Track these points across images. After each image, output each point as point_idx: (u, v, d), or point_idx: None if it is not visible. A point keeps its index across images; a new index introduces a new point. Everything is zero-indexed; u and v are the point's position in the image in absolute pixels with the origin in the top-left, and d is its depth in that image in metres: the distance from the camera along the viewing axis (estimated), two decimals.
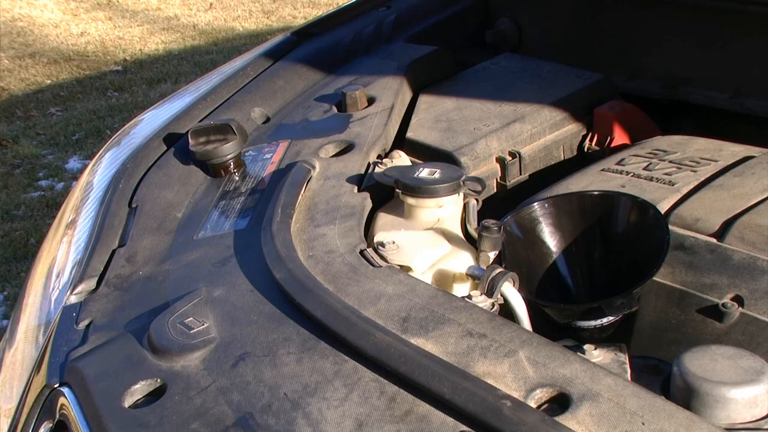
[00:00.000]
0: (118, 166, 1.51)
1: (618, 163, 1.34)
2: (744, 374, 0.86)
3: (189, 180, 1.48)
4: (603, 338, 1.11)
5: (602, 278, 1.20)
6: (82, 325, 1.15)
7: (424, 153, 1.49)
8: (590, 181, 1.30)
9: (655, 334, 1.14)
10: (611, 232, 1.19)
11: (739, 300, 1.06)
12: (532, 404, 0.81)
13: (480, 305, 0.99)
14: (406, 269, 1.11)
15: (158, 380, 0.98)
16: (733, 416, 0.85)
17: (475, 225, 1.20)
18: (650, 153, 1.36)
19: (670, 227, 1.14)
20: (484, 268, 1.10)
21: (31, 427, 1.07)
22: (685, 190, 1.23)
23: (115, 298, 1.19)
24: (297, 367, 0.93)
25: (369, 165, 1.39)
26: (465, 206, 1.26)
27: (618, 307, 1.07)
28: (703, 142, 1.38)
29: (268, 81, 1.77)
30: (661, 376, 0.97)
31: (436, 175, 1.23)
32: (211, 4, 7.35)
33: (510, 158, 1.50)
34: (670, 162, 1.31)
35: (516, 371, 0.85)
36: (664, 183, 1.25)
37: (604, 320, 1.09)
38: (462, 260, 1.16)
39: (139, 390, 0.97)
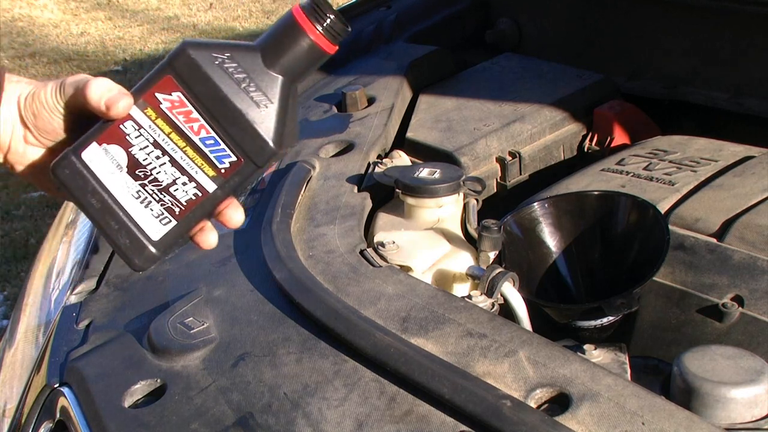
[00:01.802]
0: None
1: (618, 163, 1.34)
2: (744, 374, 0.86)
3: None
4: (603, 338, 1.11)
5: (602, 278, 1.20)
6: (82, 325, 1.16)
7: (424, 153, 1.49)
8: (590, 181, 1.30)
9: (655, 334, 1.14)
10: (611, 232, 1.19)
11: (739, 300, 1.06)
12: (532, 404, 0.81)
13: (480, 305, 0.99)
14: (406, 269, 1.10)
15: (158, 380, 0.98)
16: (733, 416, 0.85)
17: (475, 225, 1.20)
18: (650, 153, 1.36)
19: (670, 227, 1.14)
20: (484, 268, 1.10)
21: (31, 427, 1.07)
22: (685, 190, 1.23)
23: (115, 298, 1.19)
24: (297, 367, 0.93)
25: (369, 165, 1.39)
26: (465, 206, 1.26)
27: (618, 307, 1.07)
28: (703, 142, 1.37)
29: None
30: (661, 376, 0.97)
31: (436, 175, 1.23)
32: (211, 4, 7.35)
33: (510, 158, 1.50)
34: (670, 162, 1.31)
35: (516, 371, 0.85)
36: (664, 183, 1.25)
37: (604, 320, 1.09)
38: (462, 260, 1.15)
39: (139, 390, 0.97)
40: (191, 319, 1.05)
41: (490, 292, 1.04)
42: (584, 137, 1.57)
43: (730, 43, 1.57)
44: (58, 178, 0.83)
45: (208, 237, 0.87)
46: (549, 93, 1.61)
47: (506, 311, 1.06)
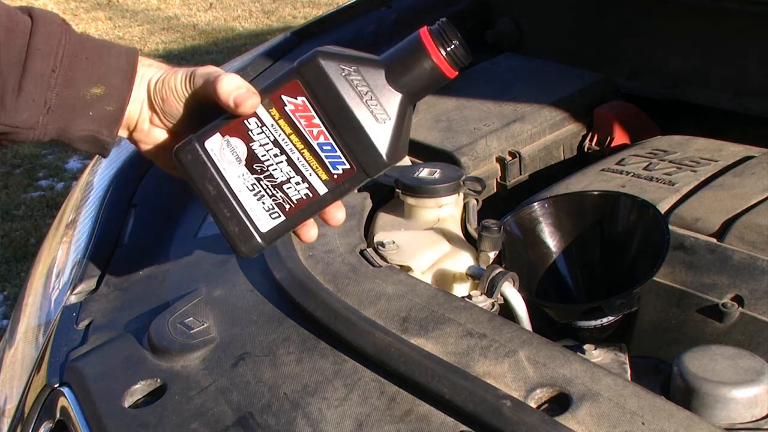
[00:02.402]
0: (118, 166, 1.51)
1: (618, 163, 1.34)
2: (744, 374, 0.86)
3: None
4: (603, 338, 1.11)
5: (602, 278, 1.20)
6: (82, 325, 1.16)
7: (424, 153, 1.49)
8: (590, 181, 1.30)
9: (655, 334, 1.14)
10: (611, 232, 1.19)
11: (739, 300, 1.06)
12: (532, 404, 0.81)
13: (480, 305, 0.99)
14: (406, 269, 1.11)
15: (158, 380, 0.98)
16: (733, 416, 0.85)
17: (475, 225, 1.20)
18: (650, 153, 1.36)
19: (670, 227, 1.14)
20: (484, 268, 1.10)
21: (31, 427, 1.07)
22: (685, 190, 1.23)
23: (115, 298, 1.19)
24: (297, 367, 0.93)
25: None
26: (465, 206, 1.26)
27: (618, 307, 1.07)
28: (703, 142, 1.38)
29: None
30: (661, 376, 0.97)
31: (436, 175, 1.23)
32: (211, 4, 7.35)
33: (510, 158, 1.50)
34: (670, 162, 1.31)
35: (516, 371, 0.85)
36: (664, 183, 1.25)
37: (604, 320, 1.09)
38: (462, 260, 1.16)
39: (139, 390, 0.97)
40: (191, 319, 1.05)
41: (490, 292, 1.04)
42: (584, 137, 1.57)
43: (730, 43, 1.57)
44: (180, 162, 0.88)
45: (310, 231, 0.94)
46: (549, 93, 1.60)
47: (506, 311, 1.06)
